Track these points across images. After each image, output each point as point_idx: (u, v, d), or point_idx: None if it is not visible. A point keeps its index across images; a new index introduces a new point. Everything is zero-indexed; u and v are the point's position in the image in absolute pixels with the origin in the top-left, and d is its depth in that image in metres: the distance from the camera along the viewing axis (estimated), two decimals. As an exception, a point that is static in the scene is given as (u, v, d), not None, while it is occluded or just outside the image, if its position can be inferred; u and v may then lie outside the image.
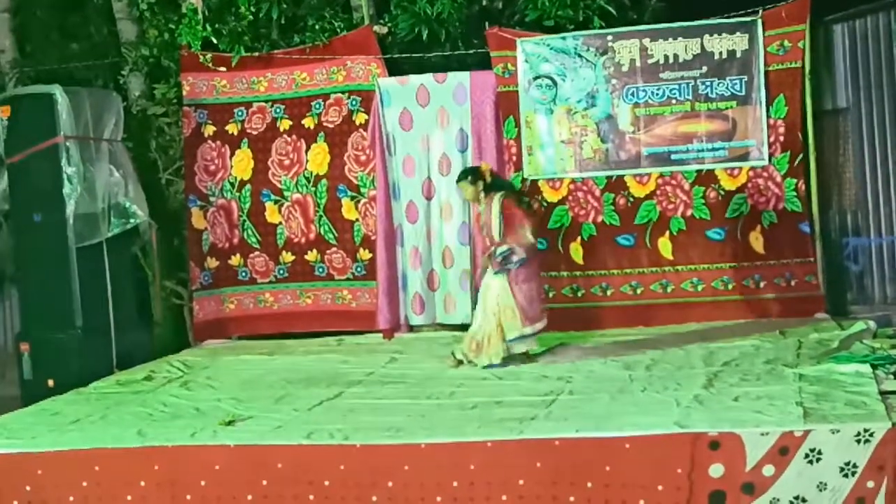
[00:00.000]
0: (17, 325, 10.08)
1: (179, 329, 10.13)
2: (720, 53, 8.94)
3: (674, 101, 9.03)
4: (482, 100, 9.30)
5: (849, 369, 6.56)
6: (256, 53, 9.73)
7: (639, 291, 9.13)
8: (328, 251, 9.77)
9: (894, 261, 9.07)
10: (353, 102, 9.61)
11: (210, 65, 9.80)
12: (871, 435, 5.14)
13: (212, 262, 9.97)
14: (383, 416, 6.25)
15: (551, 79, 9.21)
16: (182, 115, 9.97)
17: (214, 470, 5.73)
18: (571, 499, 5.32)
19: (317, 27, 9.56)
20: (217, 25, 9.64)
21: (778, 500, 5.15)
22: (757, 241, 8.97)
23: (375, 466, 5.57)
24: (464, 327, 8.47)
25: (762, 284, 8.96)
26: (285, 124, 9.82)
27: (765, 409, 5.74)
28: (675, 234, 9.07)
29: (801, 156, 8.88)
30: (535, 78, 9.22)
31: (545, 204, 9.24)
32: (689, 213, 9.04)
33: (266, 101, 9.86)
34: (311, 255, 9.81)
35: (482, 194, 7.75)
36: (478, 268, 8.37)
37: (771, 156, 8.90)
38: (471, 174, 7.87)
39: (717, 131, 8.98)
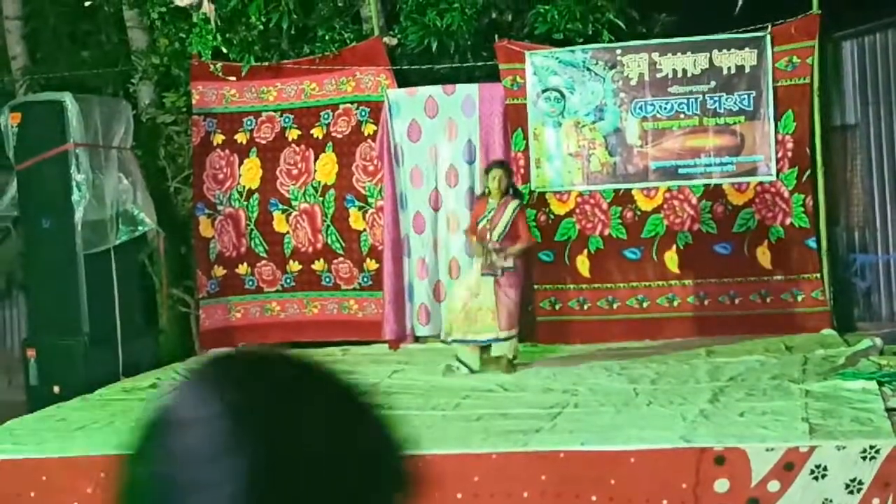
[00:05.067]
0: (24, 331, 10.10)
1: (185, 337, 10.13)
2: (729, 68, 8.94)
3: (682, 116, 9.04)
4: (490, 112, 9.31)
5: (855, 386, 6.54)
6: (266, 63, 9.77)
7: (645, 305, 9.12)
8: (335, 261, 9.78)
9: (901, 278, 9.07)
10: (362, 113, 9.63)
11: (220, 74, 9.82)
12: (876, 452, 5.13)
13: (219, 271, 9.98)
14: (388, 427, 6.23)
15: (560, 92, 9.22)
16: (191, 123, 9.99)
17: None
18: (576, 512, 5.32)
19: (326, 38, 9.58)
20: (227, 35, 9.66)
21: (783, 515, 5.15)
22: (764, 256, 8.95)
23: (380, 477, 5.55)
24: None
25: (769, 300, 8.93)
26: (294, 134, 9.84)
27: (770, 424, 5.73)
28: (681, 248, 9.06)
29: (808, 171, 8.86)
30: (544, 91, 9.23)
31: (552, 216, 9.25)
32: (696, 227, 9.03)
33: (275, 111, 9.88)
34: (318, 265, 9.81)
35: (503, 192, 7.85)
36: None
37: (779, 171, 8.89)
38: (508, 166, 8.22)
39: (725, 146, 8.98)
